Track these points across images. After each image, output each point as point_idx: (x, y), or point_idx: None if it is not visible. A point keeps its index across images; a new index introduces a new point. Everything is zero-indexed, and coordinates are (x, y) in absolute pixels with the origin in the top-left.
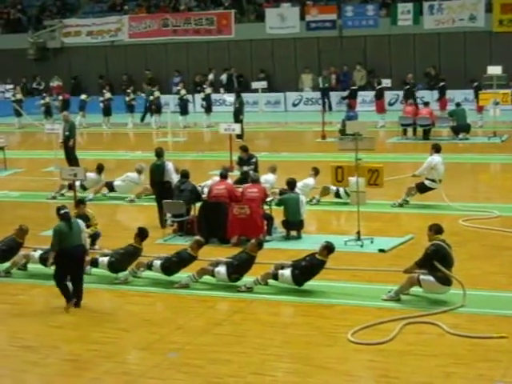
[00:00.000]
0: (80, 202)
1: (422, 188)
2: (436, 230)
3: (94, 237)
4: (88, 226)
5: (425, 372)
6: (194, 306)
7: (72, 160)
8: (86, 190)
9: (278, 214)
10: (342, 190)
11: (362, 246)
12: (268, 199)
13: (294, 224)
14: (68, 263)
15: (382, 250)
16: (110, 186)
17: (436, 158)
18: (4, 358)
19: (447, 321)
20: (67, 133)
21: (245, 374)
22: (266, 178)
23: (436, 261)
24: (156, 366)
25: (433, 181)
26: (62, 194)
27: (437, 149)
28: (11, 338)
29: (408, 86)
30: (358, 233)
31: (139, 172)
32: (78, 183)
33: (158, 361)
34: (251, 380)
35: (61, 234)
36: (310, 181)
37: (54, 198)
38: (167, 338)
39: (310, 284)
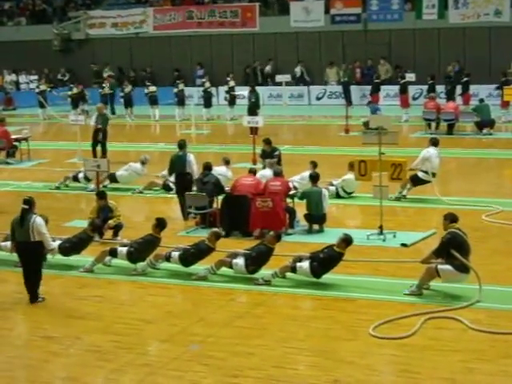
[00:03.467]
0: (101, 194)
1: (415, 180)
2: (451, 218)
3: (117, 228)
4: (111, 218)
5: (446, 367)
6: (216, 298)
7: (102, 152)
8: (89, 181)
9: (300, 208)
10: (340, 189)
11: (384, 240)
12: (291, 192)
13: (316, 217)
14: (19, 257)
15: (404, 245)
16: (113, 177)
17: (431, 151)
18: (26, 348)
19: (468, 316)
20: (100, 125)
21: (266, 367)
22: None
23: (452, 249)
24: (177, 357)
25: (426, 173)
26: (67, 185)
27: (434, 142)
28: (34, 329)
29: (432, 81)
30: (381, 227)
31: (143, 163)
32: (81, 174)
33: (179, 353)
34: (272, 373)
35: (12, 226)
36: (308, 174)
37: (57, 188)
38: (188, 330)
39: (332, 278)
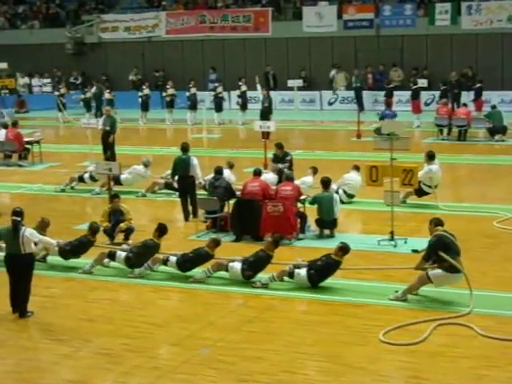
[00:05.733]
0: (114, 197)
1: (420, 192)
2: (436, 222)
3: (128, 232)
4: (122, 221)
5: (456, 374)
6: (225, 302)
7: (110, 155)
8: (95, 181)
9: (311, 213)
10: (341, 191)
11: (395, 246)
12: (302, 197)
13: (327, 223)
14: (8, 269)
15: (415, 251)
16: (117, 180)
17: (433, 168)
18: (37, 350)
19: (479, 323)
20: (108, 128)
21: (276, 372)
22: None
23: (440, 250)
24: (187, 361)
25: (429, 186)
26: (72, 187)
27: (431, 156)
28: (44, 331)
29: (445, 87)
30: (392, 233)
31: (145, 165)
32: (87, 175)
33: (188, 356)
34: (282, 378)
35: (2, 236)
36: (309, 179)
37: (63, 190)
38: (198, 334)
39: (342, 283)
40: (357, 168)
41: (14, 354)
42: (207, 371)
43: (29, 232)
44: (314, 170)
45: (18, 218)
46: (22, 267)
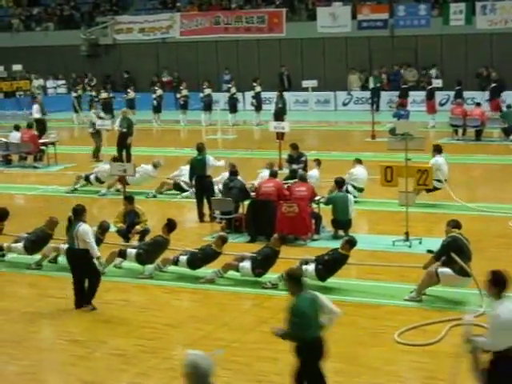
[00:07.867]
0: (128, 199)
1: (429, 188)
2: (453, 224)
3: (144, 233)
4: (137, 223)
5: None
6: (240, 303)
7: (126, 156)
8: (102, 183)
9: (325, 213)
10: (350, 187)
11: (410, 246)
12: (316, 198)
13: (342, 223)
14: (68, 263)
15: (430, 251)
16: (123, 179)
17: (439, 160)
18: (52, 351)
19: None
20: (125, 129)
21: (291, 372)
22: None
23: (452, 252)
24: None
25: (438, 181)
26: (76, 189)
27: (438, 150)
28: (59, 332)
29: (459, 87)
30: (407, 233)
31: (155, 166)
32: (93, 176)
33: None
34: None
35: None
36: (314, 172)
37: (74, 190)
38: (213, 334)
39: (357, 284)
40: (359, 161)
41: (29, 355)
42: (222, 372)
43: (83, 229)
44: (318, 162)
45: (71, 214)
46: (76, 261)
